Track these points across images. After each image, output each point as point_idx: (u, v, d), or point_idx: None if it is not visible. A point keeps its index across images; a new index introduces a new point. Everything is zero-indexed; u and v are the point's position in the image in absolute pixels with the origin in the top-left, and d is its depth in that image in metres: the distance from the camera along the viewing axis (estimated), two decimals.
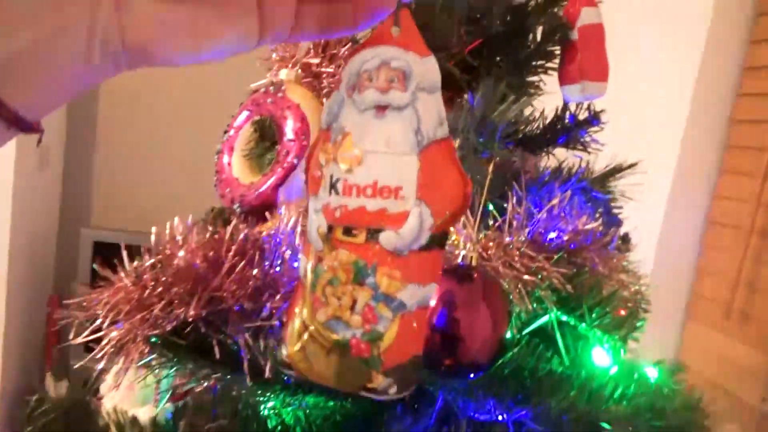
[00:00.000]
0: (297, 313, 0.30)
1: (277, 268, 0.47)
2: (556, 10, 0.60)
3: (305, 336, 0.30)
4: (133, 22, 0.24)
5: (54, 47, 0.23)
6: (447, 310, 0.49)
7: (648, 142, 1.59)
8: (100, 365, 0.50)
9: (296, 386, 0.51)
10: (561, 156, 0.71)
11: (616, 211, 0.68)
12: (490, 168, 0.49)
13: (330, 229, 0.29)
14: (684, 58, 1.51)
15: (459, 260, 0.51)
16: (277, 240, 0.47)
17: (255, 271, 0.46)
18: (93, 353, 0.49)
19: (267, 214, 0.52)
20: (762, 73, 1.43)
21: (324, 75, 0.61)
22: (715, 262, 1.50)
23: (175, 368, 0.52)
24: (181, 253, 0.46)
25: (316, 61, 0.60)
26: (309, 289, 0.30)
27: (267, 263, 0.47)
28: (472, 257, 0.51)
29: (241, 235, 0.46)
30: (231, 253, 0.46)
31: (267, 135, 0.55)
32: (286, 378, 0.50)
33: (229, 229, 0.47)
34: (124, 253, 0.49)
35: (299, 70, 0.57)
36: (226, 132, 0.58)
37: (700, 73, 1.48)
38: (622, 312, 0.67)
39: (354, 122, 0.29)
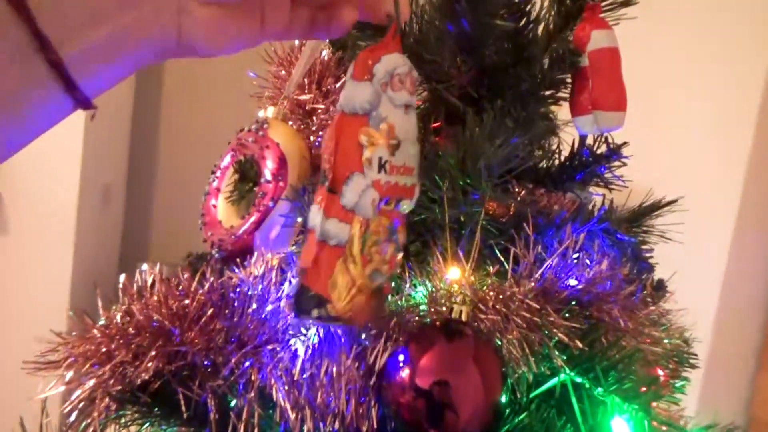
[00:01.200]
0: (342, 274, 0.37)
1: (247, 320, 0.43)
2: (566, 34, 0.54)
3: (353, 291, 0.37)
4: (189, 24, 0.30)
5: (125, 42, 0.28)
6: (433, 371, 0.44)
7: (710, 171, 1.47)
8: (70, 420, 0.48)
9: None
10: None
11: (647, 254, 0.61)
12: (482, 210, 0.44)
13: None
14: (748, 79, 1.39)
15: (449, 313, 0.46)
16: (246, 290, 0.44)
17: (223, 323, 0.42)
18: (62, 408, 0.47)
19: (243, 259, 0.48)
20: None
21: (318, 111, 0.58)
22: None
23: (143, 425, 0.49)
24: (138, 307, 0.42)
25: (307, 97, 0.57)
26: (357, 251, 0.37)
27: (237, 315, 0.43)
28: (462, 310, 0.46)
29: (208, 285, 0.43)
30: (196, 305, 0.43)
31: (249, 176, 0.52)
32: None
33: (197, 277, 0.44)
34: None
35: (285, 107, 0.53)
36: (213, 173, 0.56)
37: (764, 96, 1.36)
38: (660, 371, 0.59)
39: (394, 115, 0.37)
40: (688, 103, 1.59)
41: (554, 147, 0.59)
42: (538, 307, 0.45)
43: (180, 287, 0.44)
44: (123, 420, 0.49)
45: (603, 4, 0.53)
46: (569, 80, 0.54)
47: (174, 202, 2.33)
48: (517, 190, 0.63)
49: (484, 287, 0.45)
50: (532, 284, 0.47)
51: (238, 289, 0.44)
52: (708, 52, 1.54)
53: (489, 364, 0.44)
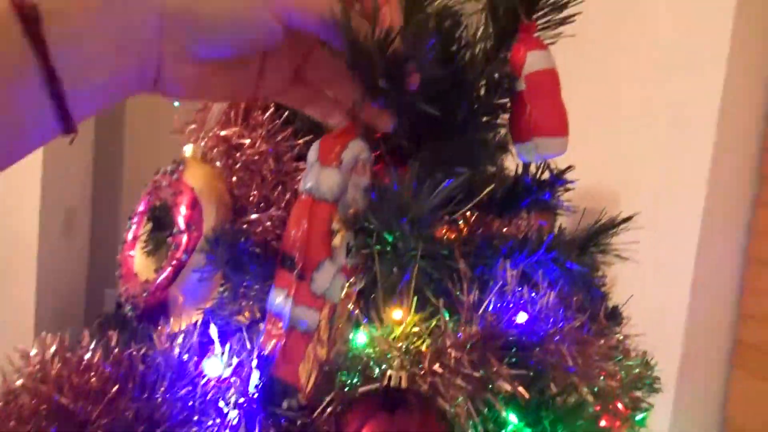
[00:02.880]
0: (309, 360, 0.37)
1: (159, 398, 0.38)
2: (503, 56, 0.51)
3: (315, 373, 0.37)
4: (170, 80, 0.33)
5: (117, 87, 0.31)
6: None
7: (674, 178, 1.46)
8: None
9: None
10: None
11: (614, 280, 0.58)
12: (416, 261, 0.40)
13: None
14: (707, 77, 1.39)
15: (386, 380, 0.41)
16: (158, 362, 0.39)
17: (130, 403, 0.38)
18: None
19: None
20: None
21: (244, 146, 0.54)
22: (759, 304, 1.35)
23: None
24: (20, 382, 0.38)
25: (231, 132, 0.53)
26: (326, 336, 0.37)
27: (148, 390, 0.39)
28: (401, 376, 0.41)
29: (112, 356, 0.38)
30: (97, 381, 0.38)
31: (165, 223, 0.48)
32: None
33: (102, 346, 0.39)
34: None
35: (204, 145, 0.49)
36: (130, 219, 0.51)
37: (724, 97, 1.36)
38: (619, 405, 0.56)
39: (357, 199, 0.38)
40: (648, 106, 1.58)
41: (497, 173, 0.56)
42: (476, 361, 0.41)
43: (84, 359, 0.40)
44: None
45: (539, 22, 0.50)
46: (509, 105, 0.51)
47: None
48: (466, 218, 0.60)
49: (419, 344, 0.41)
50: (474, 329, 0.44)
51: (150, 359, 0.40)
52: (665, 51, 1.53)
53: None
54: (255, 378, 0.40)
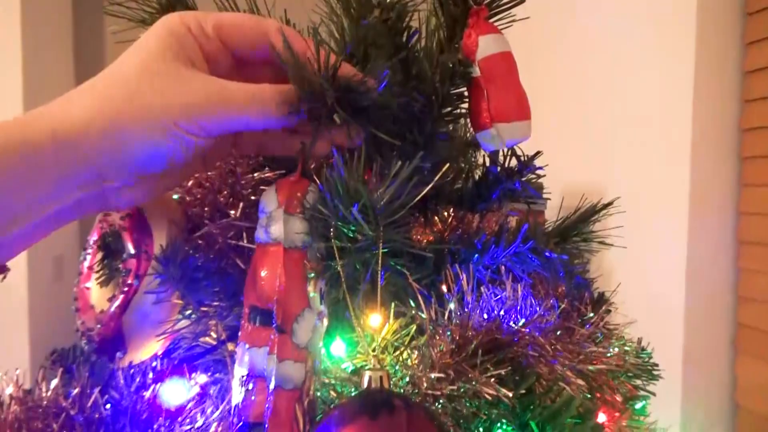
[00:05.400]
0: (300, 418, 0.36)
1: None
2: (456, 44, 0.49)
3: (307, 427, 0.35)
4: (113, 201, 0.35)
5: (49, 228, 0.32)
6: None
7: (656, 167, 1.45)
8: None
9: None
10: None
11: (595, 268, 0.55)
12: (378, 255, 0.38)
13: None
14: (678, 69, 1.39)
15: (368, 383, 0.38)
16: (116, 405, 0.36)
17: None
18: None
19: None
20: (763, 75, 1.29)
21: None
22: (756, 285, 1.33)
23: None
24: None
25: None
26: (312, 387, 0.36)
27: None
28: (381, 376, 0.38)
29: (61, 398, 0.36)
30: (54, 425, 0.35)
31: (117, 251, 0.45)
32: None
33: (52, 387, 0.37)
34: None
35: None
36: (84, 249, 0.49)
37: (697, 81, 1.35)
38: (618, 397, 0.53)
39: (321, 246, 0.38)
40: (624, 99, 1.58)
41: (468, 167, 0.54)
42: (446, 378, 0.38)
43: (35, 401, 0.37)
44: None
45: (490, 7, 0.49)
46: (466, 94, 0.49)
47: None
48: (444, 215, 0.58)
49: (390, 360, 0.39)
50: (443, 344, 0.41)
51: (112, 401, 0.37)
52: (637, 39, 1.53)
53: None
54: None
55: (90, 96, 0.32)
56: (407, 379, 0.38)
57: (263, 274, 0.36)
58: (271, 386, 0.34)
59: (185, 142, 0.33)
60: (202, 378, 0.44)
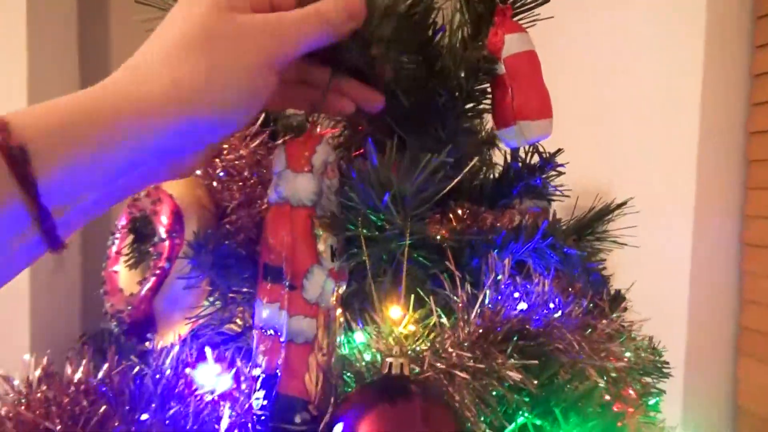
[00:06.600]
0: (312, 370, 0.36)
1: (149, 420, 0.36)
2: (480, 41, 0.50)
3: (321, 380, 0.37)
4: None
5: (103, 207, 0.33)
6: None
7: (663, 168, 1.45)
8: None
9: None
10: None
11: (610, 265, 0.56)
12: (405, 246, 0.39)
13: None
14: (686, 72, 1.39)
15: (388, 369, 0.39)
16: (146, 380, 0.37)
17: (118, 428, 0.36)
18: None
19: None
20: None
21: (224, 150, 0.53)
22: (759, 288, 1.34)
23: None
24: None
25: None
26: (325, 343, 0.37)
27: (138, 412, 0.37)
28: (402, 363, 0.39)
29: (102, 374, 0.37)
30: (83, 401, 0.36)
31: (146, 235, 0.46)
32: None
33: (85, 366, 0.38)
34: None
35: None
36: (112, 234, 0.50)
37: (705, 84, 1.36)
38: (631, 391, 0.54)
39: (331, 201, 0.38)
40: (633, 96, 1.58)
41: (486, 163, 0.55)
42: (473, 356, 0.39)
43: (73, 379, 0.38)
44: None
45: (515, 5, 0.50)
46: (490, 91, 0.50)
47: None
48: (459, 212, 0.59)
49: (420, 343, 0.40)
50: (472, 324, 0.42)
51: (139, 377, 0.38)
52: (646, 41, 1.53)
53: (442, 424, 0.38)
54: (259, 396, 0.38)
55: (195, 58, 0.31)
56: (432, 350, 0.39)
57: (271, 232, 0.37)
58: (284, 340, 0.35)
59: (269, 88, 0.33)
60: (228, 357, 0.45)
